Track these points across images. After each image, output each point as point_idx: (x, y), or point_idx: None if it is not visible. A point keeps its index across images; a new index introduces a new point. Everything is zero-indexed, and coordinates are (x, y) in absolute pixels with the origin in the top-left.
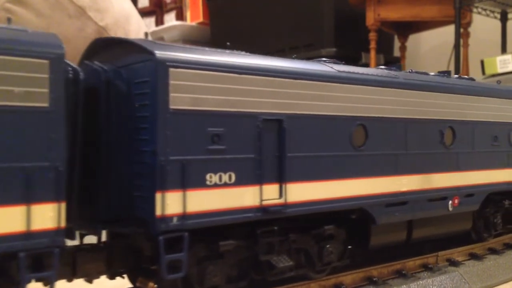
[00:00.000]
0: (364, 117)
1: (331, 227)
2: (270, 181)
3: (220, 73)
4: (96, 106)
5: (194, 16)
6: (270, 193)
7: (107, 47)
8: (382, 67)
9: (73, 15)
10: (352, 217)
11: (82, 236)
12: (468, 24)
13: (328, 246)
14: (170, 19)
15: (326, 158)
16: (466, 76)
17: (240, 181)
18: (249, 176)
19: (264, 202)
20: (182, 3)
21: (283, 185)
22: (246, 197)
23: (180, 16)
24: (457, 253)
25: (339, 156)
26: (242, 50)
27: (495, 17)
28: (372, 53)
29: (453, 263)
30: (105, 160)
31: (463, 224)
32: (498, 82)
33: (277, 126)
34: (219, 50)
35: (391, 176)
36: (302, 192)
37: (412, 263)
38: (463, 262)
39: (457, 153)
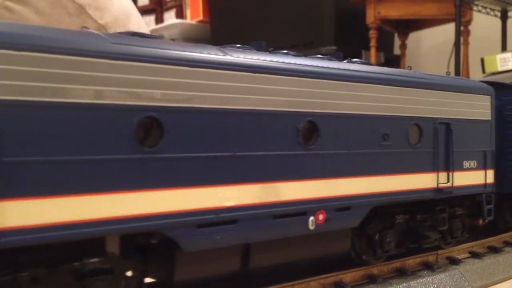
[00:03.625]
0: (157, 107)
1: (96, 260)
2: None
3: None
4: None
5: (194, 14)
6: None
7: None
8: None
9: (73, 13)
10: (153, 243)
11: None
12: (468, 22)
13: (99, 283)
14: (170, 17)
15: (83, 164)
16: (361, 60)
17: None
18: None
19: None
20: (182, 1)
21: None
22: None
23: (180, 14)
24: (457, 251)
25: (108, 161)
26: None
27: (495, 15)
28: (372, 51)
29: (453, 261)
30: None
31: (336, 245)
32: (408, 68)
33: None
34: None
35: (206, 186)
36: (33, 213)
37: (412, 261)
38: (463, 260)
39: (322, 155)
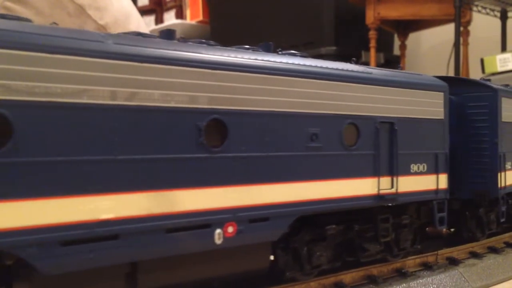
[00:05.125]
0: (2, 102)
1: None
2: None
3: None
4: None
5: (194, 15)
6: None
7: None
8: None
9: (73, 14)
10: (8, 264)
11: None
12: (468, 22)
13: None
14: (170, 18)
15: None
16: (297, 52)
17: None
18: None
19: None
20: (182, 2)
21: None
22: None
23: (180, 15)
24: (457, 251)
25: None
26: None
27: (495, 16)
28: (372, 52)
29: (453, 261)
30: None
31: (250, 261)
32: (353, 61)
33: None
34: None
35: (73, 196)
36: None
37: (412, 261)
38: (462, 261)
39: (233, 159)
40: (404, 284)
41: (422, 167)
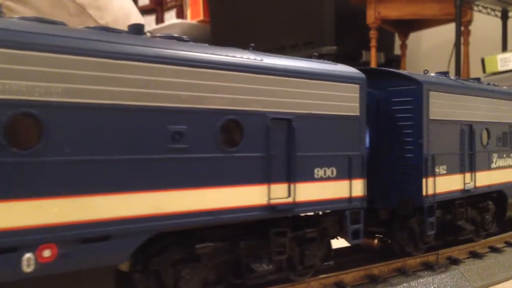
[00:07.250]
0: None
1: None
2: None
3: None
4: None
5: (195, 14)
6: None
7: None
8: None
9: (73, 13)
10: None
11: None
12: (469, 22)
13: None
14: (171, 17)
15: None
16: (173, 35)
17: None
18: None
19: None
20: (183, 1)
21: None
22: None
23: (180, 14)
24: (457, 251)
25: None
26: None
27: (496, 15)
28: (373, 51)
29: (454, 261)
30: None
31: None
32: (250, 47)
33: None
34: None
35: None
36: None
37: (412, 261)
38: (463, 260)
39: (50, 164)
40: (405, 284)
41: (330, 171)
